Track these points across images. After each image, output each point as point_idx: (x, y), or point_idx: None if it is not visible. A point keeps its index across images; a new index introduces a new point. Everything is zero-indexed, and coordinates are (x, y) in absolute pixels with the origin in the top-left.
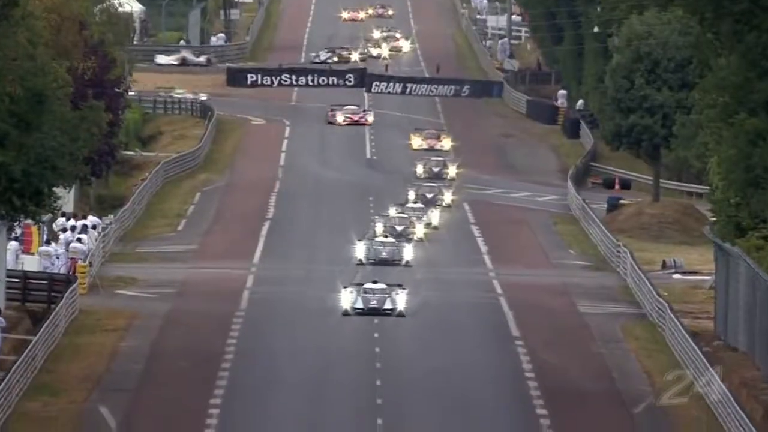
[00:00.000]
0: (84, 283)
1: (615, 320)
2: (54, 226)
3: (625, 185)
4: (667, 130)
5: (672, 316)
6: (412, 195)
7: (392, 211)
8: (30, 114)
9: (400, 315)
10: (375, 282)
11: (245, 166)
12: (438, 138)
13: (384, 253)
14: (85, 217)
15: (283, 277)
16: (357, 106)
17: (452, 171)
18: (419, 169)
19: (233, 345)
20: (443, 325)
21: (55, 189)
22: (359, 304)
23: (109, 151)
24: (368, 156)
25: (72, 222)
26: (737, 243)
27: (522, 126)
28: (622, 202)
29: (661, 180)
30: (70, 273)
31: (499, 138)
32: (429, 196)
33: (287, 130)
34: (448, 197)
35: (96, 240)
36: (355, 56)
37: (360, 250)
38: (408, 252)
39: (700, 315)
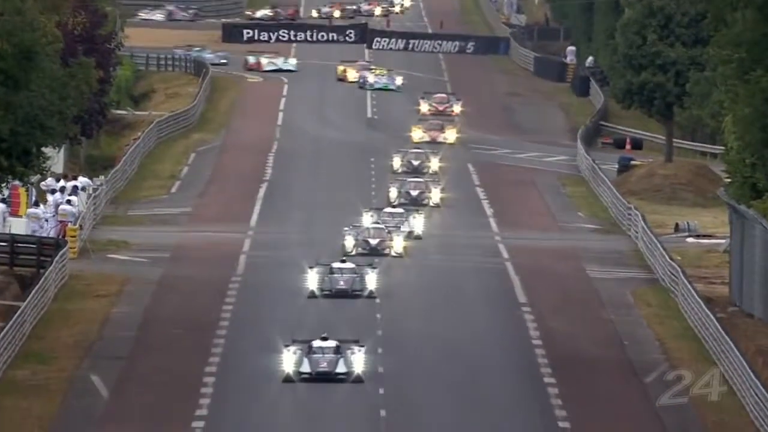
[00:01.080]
0: (74, 247)
1: (626, 286)
2: (43, 187)
3: (637, 145)
4: (680, 88)
5: (685, 281)
6: (393, 193)
7: (366, 220)
8: (18, 71)
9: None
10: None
11: (241, 125)
12: (441, 129)
13: (341, 283)
14: (75, 178)
15: (282, 240)
16: (445, 94)
17: (434, 164)
18: (396, 162)
19: (229, 312)
20: (446, 292)
21: (43, 149)
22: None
23: (99, 109)
24: (369, 115)
25: (61, 183)
26: (753, 205)
27: (529, 84)
28: (633, 162)
29: (673, 140)
30: (60, 236)
31: (506, 96)
32: (414, 193)
33: (285, 88)
34: (436, 195)
35: (86, 202)
36: (377, 10)
37: (312, 279)
38: (371, 280)
39: (715, 280)
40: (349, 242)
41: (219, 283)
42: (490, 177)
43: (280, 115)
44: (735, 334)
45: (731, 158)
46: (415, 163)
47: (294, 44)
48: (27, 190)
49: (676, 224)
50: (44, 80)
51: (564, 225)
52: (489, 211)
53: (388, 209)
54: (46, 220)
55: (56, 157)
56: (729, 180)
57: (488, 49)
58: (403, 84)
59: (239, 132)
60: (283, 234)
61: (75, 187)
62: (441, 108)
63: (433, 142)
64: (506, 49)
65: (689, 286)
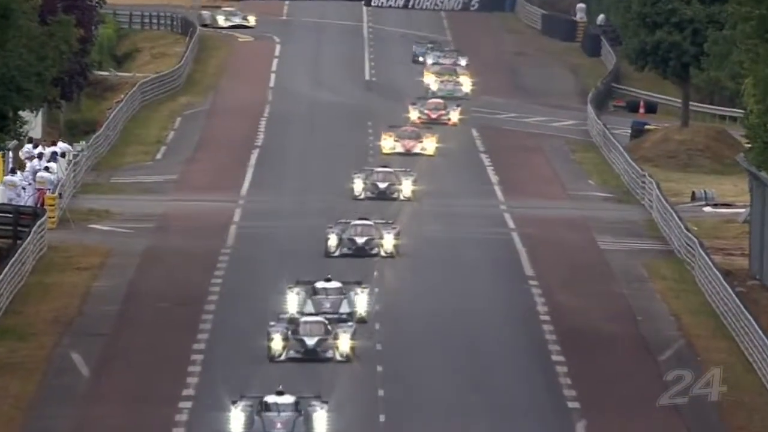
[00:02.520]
0: (53, 217)
1: (639, 257)
2: (20, 154)
3: (651, 109)
4: (697, 48)
5: (702, 252)
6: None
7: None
8: None
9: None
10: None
11: (231, 87)
12: (418, 138)
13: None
14: (54, 144)
15: (274, 210)
16: (441, 100)
17: (407, 187)
18: (357, 186)
19: (218, 285)
20: (448, 264)
21: (20, 113)
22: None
23: (80, 71)
24: (367, 77)
25: (40, 149)
26: None
27: (537, 43)
28: (647, 127)
29: (690, 103)
30: (38, 205)
31: (512, 56)
32: (382, 186)
33: (278, 48)
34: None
35: (66, 169)
36: None
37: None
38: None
39: (734, 252)
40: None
41: (208, 255)
42: (495, 142)
43: (273, 76)
44: (755, 309)
45: (751, 122)
46: (382, 186)
47: (287, 2)
48: (3, 157)
49: (693, 192)
50: (21, 39)
51: (573, 193)
52: (494, 178)
53: (321, 283)
54: (24, 188)
55: (34, 122)
56: (749, 145)
57: (493, 6)
58: (472, 90)
59: (229, 95)
60: (276, 203)
61: (54, 153)
62: (434, 116)
63: (408, 154)
64: (512, 6)
65: (706, 258)
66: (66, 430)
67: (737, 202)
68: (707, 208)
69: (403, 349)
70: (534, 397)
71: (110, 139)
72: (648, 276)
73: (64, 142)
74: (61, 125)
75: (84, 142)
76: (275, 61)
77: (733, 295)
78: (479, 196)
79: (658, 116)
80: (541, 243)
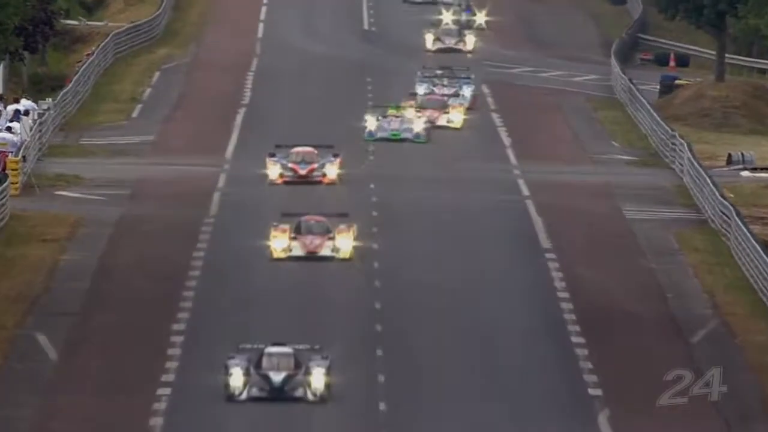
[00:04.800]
0: (16, 183)
1: (668, 228)
2: None
3: (682, 62)
4: None
5: (739, 222)
6: (275, 170)
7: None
8: None
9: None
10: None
11: (215, 38)
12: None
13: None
14: (16, 101)
15: (262, 176)
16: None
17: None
18: (272, 173)
19: (200, 259)
20: (457, 235)
21: None
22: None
23: (45, 19)
24: (366, 26)
25: (0, 107)
26: None
27: None
28: (677, 82)
29: (726, 55)
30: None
31: (526, 4)
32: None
33: None
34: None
35: (31, 129)
36: None
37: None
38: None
39: None
40: (273, 171)
41: (188, 225)
42: (508, 100)
43: (261, 26)
44: None
45: None
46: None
47: None
48: None
49: (729, 155)
50: None
51: (595, 156)
52: (507, 140)
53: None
54: None
55: None
56: None
57: None
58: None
59: (212, 47)
60: (263, 168)
61: (17, 112)
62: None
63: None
64: None
65: (744, 229)
66: (30, 420)
67: None
68: (745, 173)
69: (407, 330)
70: (551, 383)
71: (80, 95)
72: (678, 248)
73: (27, 99)
74: (24, 80)
75: (50, 100)
76: (263, 9)
77: None
78: (491, 159)
79: (689, 70)
80: (559, 212)
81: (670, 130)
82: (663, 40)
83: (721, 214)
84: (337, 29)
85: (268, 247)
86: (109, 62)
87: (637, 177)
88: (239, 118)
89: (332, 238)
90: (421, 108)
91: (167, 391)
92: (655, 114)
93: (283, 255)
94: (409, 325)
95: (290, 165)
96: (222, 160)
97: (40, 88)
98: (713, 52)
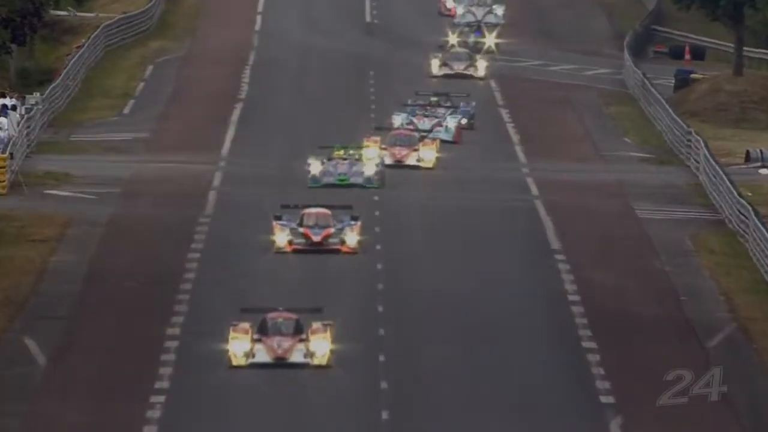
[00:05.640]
0: (3, 181)
1: (684, 228)
2: None
3: (698, 55)
4: None
5: (757, 222)
6: (282, 239)
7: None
8: None
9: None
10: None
11: (210, 31)
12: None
13: None
14: (3, 96)
15: (259, 174)
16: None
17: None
18: (280, 240)
19: (195, 261)
20: (463, 236)
21: None
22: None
23: (34, 10)
24: (368, 19)
25: None
26: None
27: None
28: (693, 76)
29: (744, 48)
30: None
31: None
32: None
33: None
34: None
35: (18, 125)
36: None
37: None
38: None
39: None
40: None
41: (183, 225)
42: (517, 95)
43: (259, 18)
44: None
45: None
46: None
47: None
48: None
49: (747, 152)
50: None
51: (607, 154)
52: (515, 137)
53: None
54: None
55: None
56: None
57: None
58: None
59: (208, 39)
60: (261, 165)
61: (4, 107)
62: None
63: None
64: None
65: (762, 229)
66: (18, 428)
67: None
68: (763, 170)
69: (411, 334)
70: (561, 390)
71: (70, 90)
72: (694, 249)
73: (14, 93)
74: (11, 74)
75: (39, 94)
76: (261, 1)
77: None
78: (499, 157)
79: (706, 63)
80: (570, 212)
81: (685, 127)
82: (678, 32)
83: (738, 213)
84: (338, 21)
85: (226, 351)
86: (100, 55)
87: (650, 175)
88: (235, 114)
89: (304, 340)
90: (389, 146)
91: (161, 398)
92: (669, 109)
93: (243, 362)
94: (412, 330)
95: (301, 230)
96: (218, 158)
97: (28, 82)
98: (730, 45)
